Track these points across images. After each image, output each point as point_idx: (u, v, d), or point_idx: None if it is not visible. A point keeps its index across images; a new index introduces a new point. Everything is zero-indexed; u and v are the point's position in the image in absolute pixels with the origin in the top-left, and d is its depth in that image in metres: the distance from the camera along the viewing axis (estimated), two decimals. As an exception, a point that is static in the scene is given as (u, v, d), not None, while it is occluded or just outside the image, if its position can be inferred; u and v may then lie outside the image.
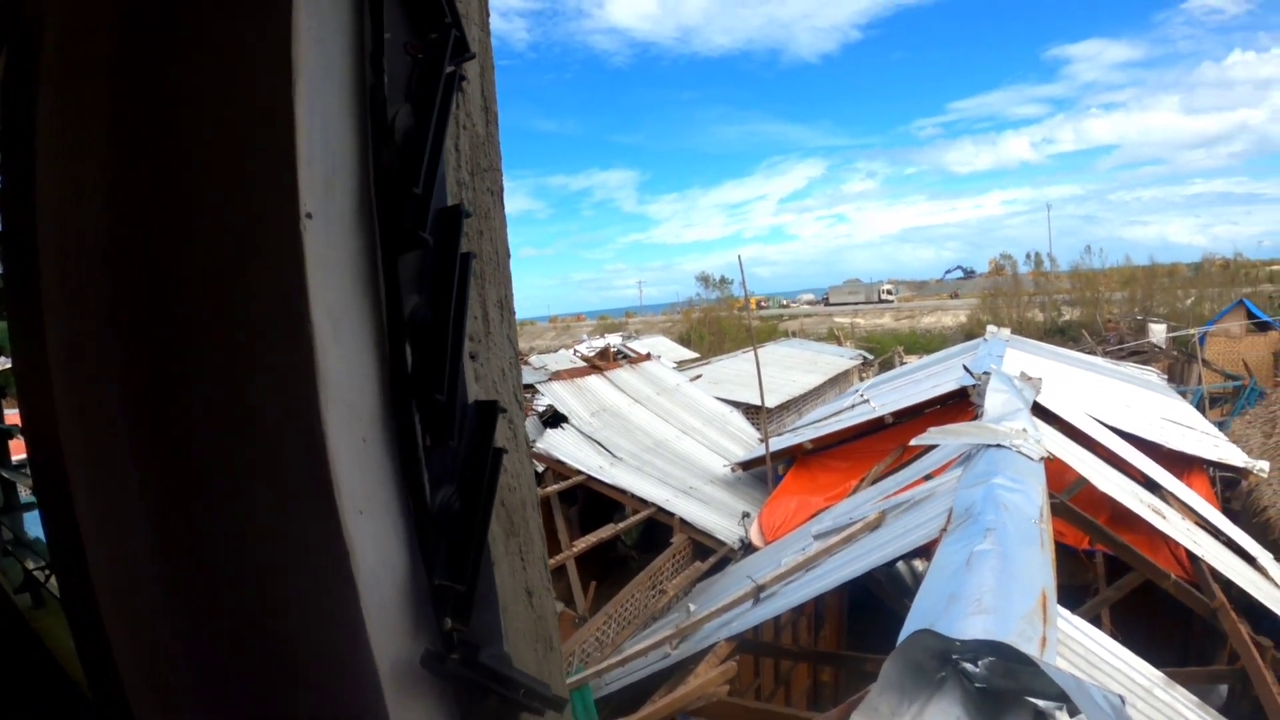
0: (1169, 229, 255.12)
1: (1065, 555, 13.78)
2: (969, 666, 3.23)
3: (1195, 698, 5.86)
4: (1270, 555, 13.90)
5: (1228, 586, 10.98)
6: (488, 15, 1.74)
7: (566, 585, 15.38)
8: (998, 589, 4.89)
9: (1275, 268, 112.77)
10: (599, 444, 18.57)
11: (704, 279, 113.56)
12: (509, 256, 1.77)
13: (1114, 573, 11.76)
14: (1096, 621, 11.40)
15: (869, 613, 13.63)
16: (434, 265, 1.29)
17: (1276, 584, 12.71)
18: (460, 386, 1.27)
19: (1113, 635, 11.57)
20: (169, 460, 1.29)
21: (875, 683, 3.12)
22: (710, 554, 15.81)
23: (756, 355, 21.02)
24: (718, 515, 16.94)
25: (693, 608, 10.00)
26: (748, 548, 15.34)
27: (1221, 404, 35.56)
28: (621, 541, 18.04)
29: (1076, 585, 13.67)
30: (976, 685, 3.19)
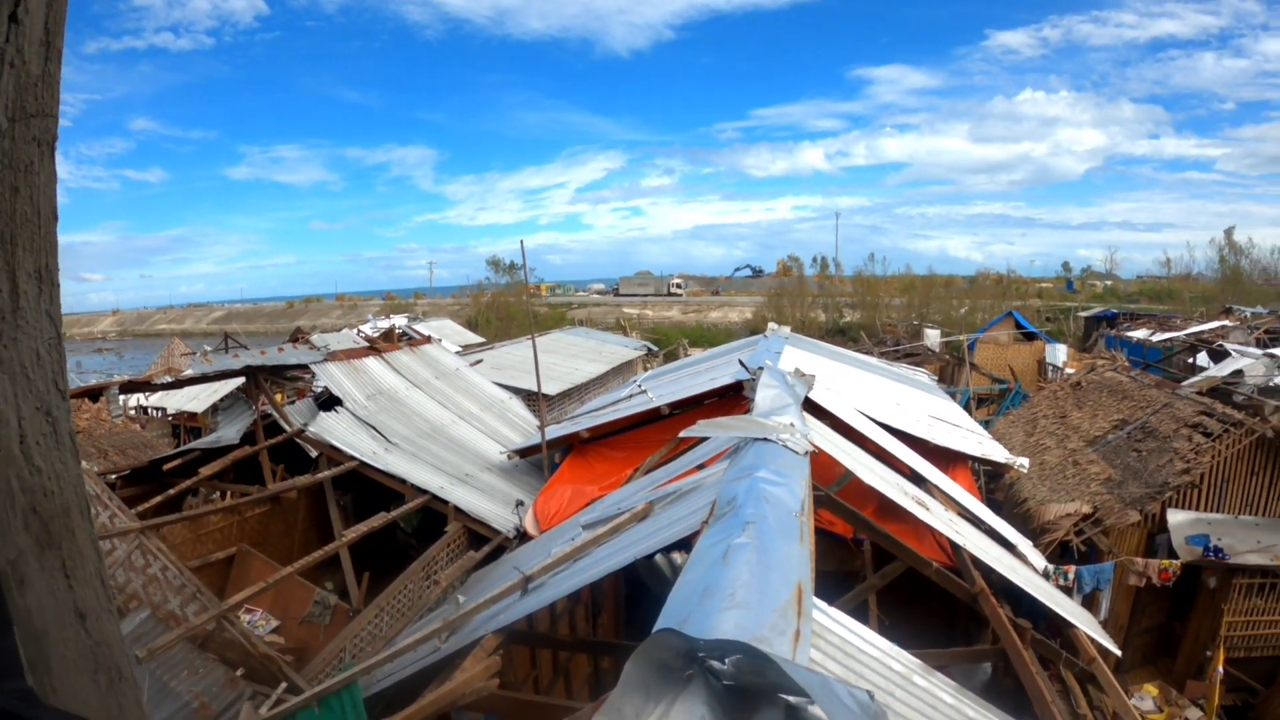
0: (949, 244, 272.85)
1: (835, 543, 14.30)
2: (716, 664, 3.17)
3: (953, 682, 6.02)
4: (1029, 543, 14.79)
5: (990, 573, 11.57)
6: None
7: (342, 576, 14.89)
8: (752, 583, 4.85)
9: (1044, 285, 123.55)
10: (373, 429, 18.01)
11: (494, 263, 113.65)
12: (55, 219, 1.53)
13: (880, 559, 12.22)
14: (864, 607, 11.82)
15: (646, 601, 13.72)
16: None
17: (1035, 569, 13.49)
18: None
19: (880, 621, 12.10)
20: None
21: (618, 684, 3.02)
22: (486, 542, 15.58)
23: (534, 341, 20.89)
24: (493, 503, 16.69)
25: (462, 599, 9.78)
26: (523, 536, 15.20)
27: (988, 404, 38.27)
28: (401, 529, 17.59)
29: (846, 572, 14.20)
30: (725, 683, 3.13)
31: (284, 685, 10.88)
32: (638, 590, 15.04)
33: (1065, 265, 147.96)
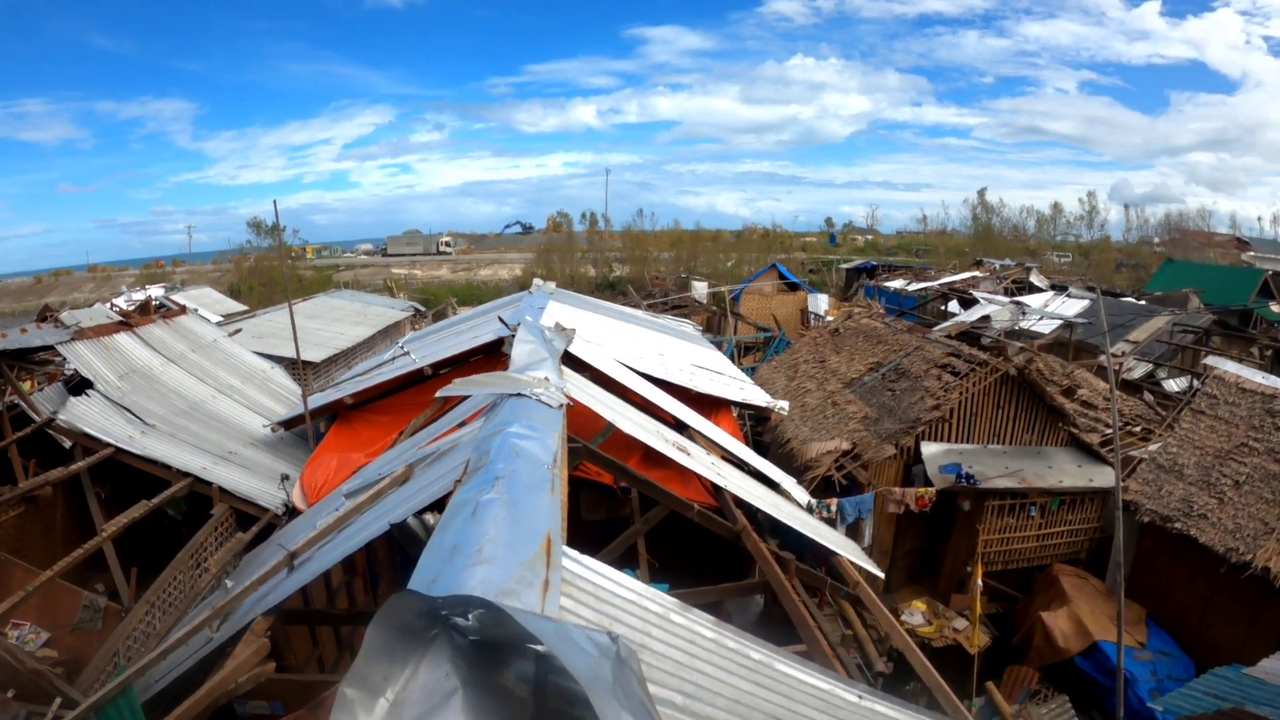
0: (718, 200, 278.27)
1: (604, 494, 14.62)
2: (460, 621, 3.20)
3: (712, 617, 6.23)
4: (794, 480, 15.48)
5: (758, 512, 12.13)
6: None
7: (110, 575, 14.16)
8: (500, 537, 4.90)
9: (809, 239, 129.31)
10: (128, 411, 17.10)
11: (256, 225, 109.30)
12: None
13: (648, 505, 12.51)
14: (632, 552, 12.15)
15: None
16: None
17: (800, 504, 14.15)
18: None
19: (651, 565, 12.47)
20: None
21: (360, 651, 3.04)
22: (255, 522, 15.13)
23: (290, 307, 20.23)
24: (260, 480, 16.14)
25: (230, 584, 9.53)
26: (292, 511, 14.83)
27: (754, 352, 39.53)
28: (170, 516, 16.83)
29: (618, 520, 14.54)
30: (471, 639, 3.17)
31: (59, 700, 10.37)
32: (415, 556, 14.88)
33: (828, 221, 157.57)
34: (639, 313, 31.59)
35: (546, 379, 9.57)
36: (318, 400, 17.78)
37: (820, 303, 50.51)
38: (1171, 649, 16.91)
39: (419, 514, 8.09)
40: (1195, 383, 23.38)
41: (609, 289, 76.91)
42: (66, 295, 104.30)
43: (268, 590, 8.62)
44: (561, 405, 8.98)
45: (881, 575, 15.18)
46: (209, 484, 15.45)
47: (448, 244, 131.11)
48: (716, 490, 12.45)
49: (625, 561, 11.97)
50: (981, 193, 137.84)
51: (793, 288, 57.30)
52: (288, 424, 18.43)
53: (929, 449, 20.10)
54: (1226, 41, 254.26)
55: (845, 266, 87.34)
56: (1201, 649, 16.53)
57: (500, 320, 15.93)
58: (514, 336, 12.97)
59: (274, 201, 17.73)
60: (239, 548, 14.15)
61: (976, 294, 46.80)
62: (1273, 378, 19.97)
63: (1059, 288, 50.41)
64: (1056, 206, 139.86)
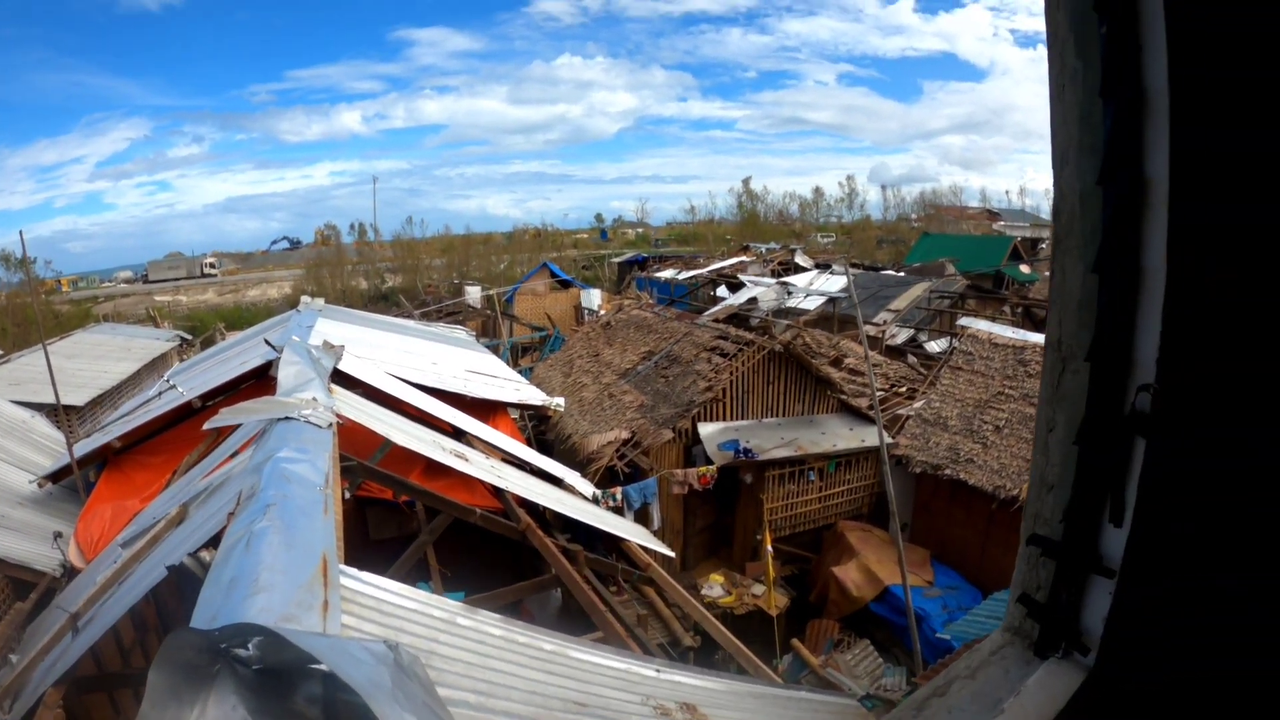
0: (489, 202, 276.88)
1: (390, 510, 14.56)
2: (241, 651, 3.18)
3: (499, 615, 6.31)
4: (578, 474, 15.76)
5: (544, 509, 12.33)
6: None
7: None
8: (276, 564, 4.91)
9: (580, 236, 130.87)
10: None
11: (4, 259, 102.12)
12: None
13: (434, 516, 12.57)
14: (423, 564, 12.17)
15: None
16: None
17: (585, 496, 14.40)
18: None
19: (442, 573, 12.51)
20: None
21: (144, 696, 2.99)
22: (33, 588, 14.36)
23: (45, 348, 19.24)
24: (31, 542, 15.14)
25: (15, 659, 9.09)
26: (70, 571, 14.15)
27: (531, 352, 39.82)
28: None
29: (405, 535, 14.48)
30: (255, 668, 3.16)
31: None
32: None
33: (599, 217, 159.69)
34: (411, 323, 31.31)
35: (315, 399, 9.48)
36: (84, 447, 16.87)
37: (593, 298, 51.37)
38: (958, 583, 18.24)
39: (194, 553, 7.89)
40: (953, 342, 25.08)
41: (382, 300, 75.79)
42: None
43: (54, 659, 8.23)
44: (331, 425, 8.92)
45: (673, 554, 15.72)
46: (-33, 553, 14.46)
47: (212, 265, 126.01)
48: (499, 492, 12.60)
49: (419, 575, 12.00)
50: (746, 181, 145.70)
51: (565, 285, 57.97)
52: (55, 476, 17.27)
53: (706, 429, 20.97)
54: (976, 34, 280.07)
55: (617, 260, 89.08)
56: (985, 578, 18.01)
57: (267, 342, 15.52)
58: (280, 358, 12.73)
59: (20, 232, 16.84)
60: (20, 619, 13.40)
61: (744, 278, 48.49)
62: (1022, 331, 21.70)
63: (823, 266, 52.77)
64: (818, 190, 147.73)
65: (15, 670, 8.29)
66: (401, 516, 14.79)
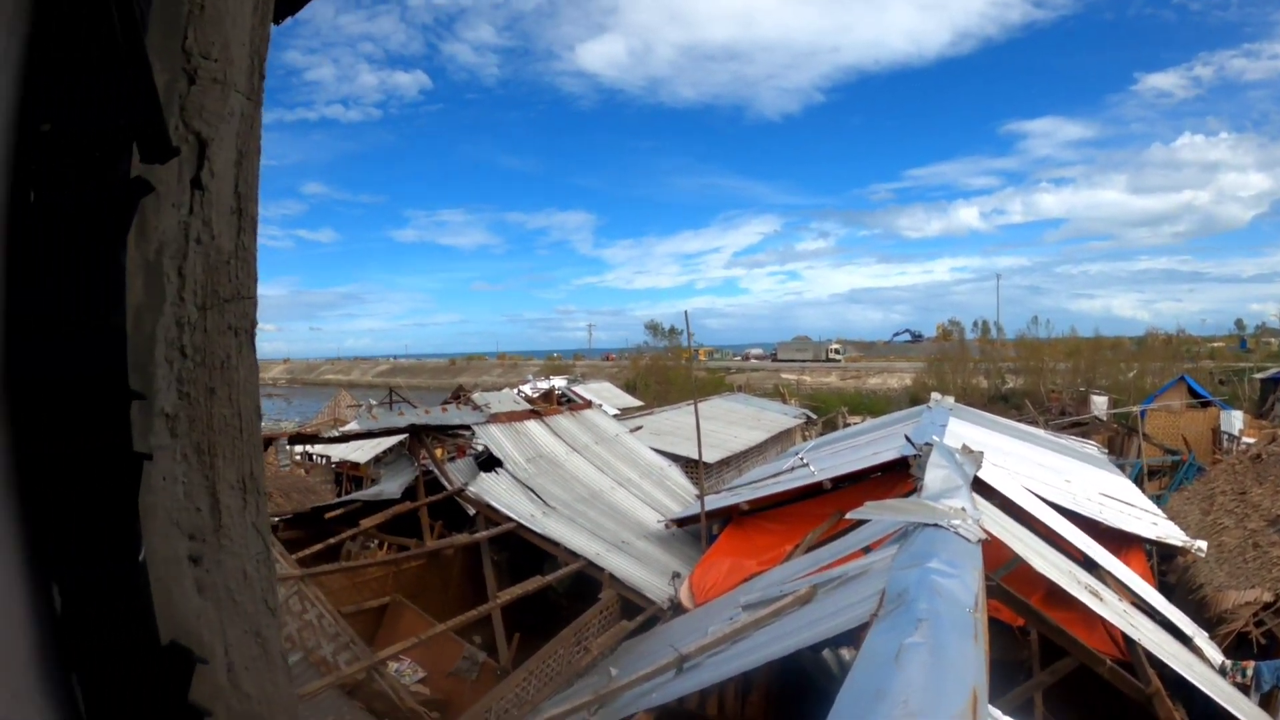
0: (1114, 303, 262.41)
1: (1000, 631, 13.62)
2: None
3: None
4: (1205, 634, 13.86)
5: (1163, 667, 10.84)
6: (262, 77, 1.31)
7: (489, 631, 15.06)
8: (927, 687, 4.60)
9: (1216, 344, 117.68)
10: (532, 491, 18.18)
11: (653, 327, 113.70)
12: (259, 417, 1.35)
13: (1048, 650, 11.62)
14: (1029, 705, 11.22)
15: (796, 679, 13.30)
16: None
17: (1211, 664, 12.62)
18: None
19: (1045, 720, 11.48)
20: None
21: None
22: (639, 611, 15.41)
23: (696, 408, 20.73)
24: (648, 572, 16.54)
25: (614, 671, 9.61)
26: (677, 608, 14.92)
27: (1160, 477, 36.17)
28: (553, 588, 17.56)
29: (1010, 662, 13.52)
30: None
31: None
32: (791, 671, 14.57)
33: (1239, 322, 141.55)
34: (1039, 431, 30.07)
35: (963, 509, 9.03)
36: (714, 502, 17.99)
37: (1234, 420, 45.63)
38: None
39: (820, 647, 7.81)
40: None
41: (1002, 401, 73.72)
42: (477, 378, 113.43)
43: (652, 688, 8.56)
44: (979, 540, 8.41)
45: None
46: (600, 569, 16.02)
47: (837, 351, 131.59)
48: (1127, 642, 11.24)
49: (1024, 713, 11.09)
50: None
51: (1203, 403, 52.56)
52: (681, 521, 18.76)
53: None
54: None
55: (1259, 376, 78.57)
56: None
57: (906, 439, 15.41)
58: (921, 457, 12.47)
59: (685, 312, 18.37)
60: (621, 635, 14.40)
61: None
62: None
63: None
64: None
65: (612, 684, 8.76)
66: (1009, 640, 13.87)
